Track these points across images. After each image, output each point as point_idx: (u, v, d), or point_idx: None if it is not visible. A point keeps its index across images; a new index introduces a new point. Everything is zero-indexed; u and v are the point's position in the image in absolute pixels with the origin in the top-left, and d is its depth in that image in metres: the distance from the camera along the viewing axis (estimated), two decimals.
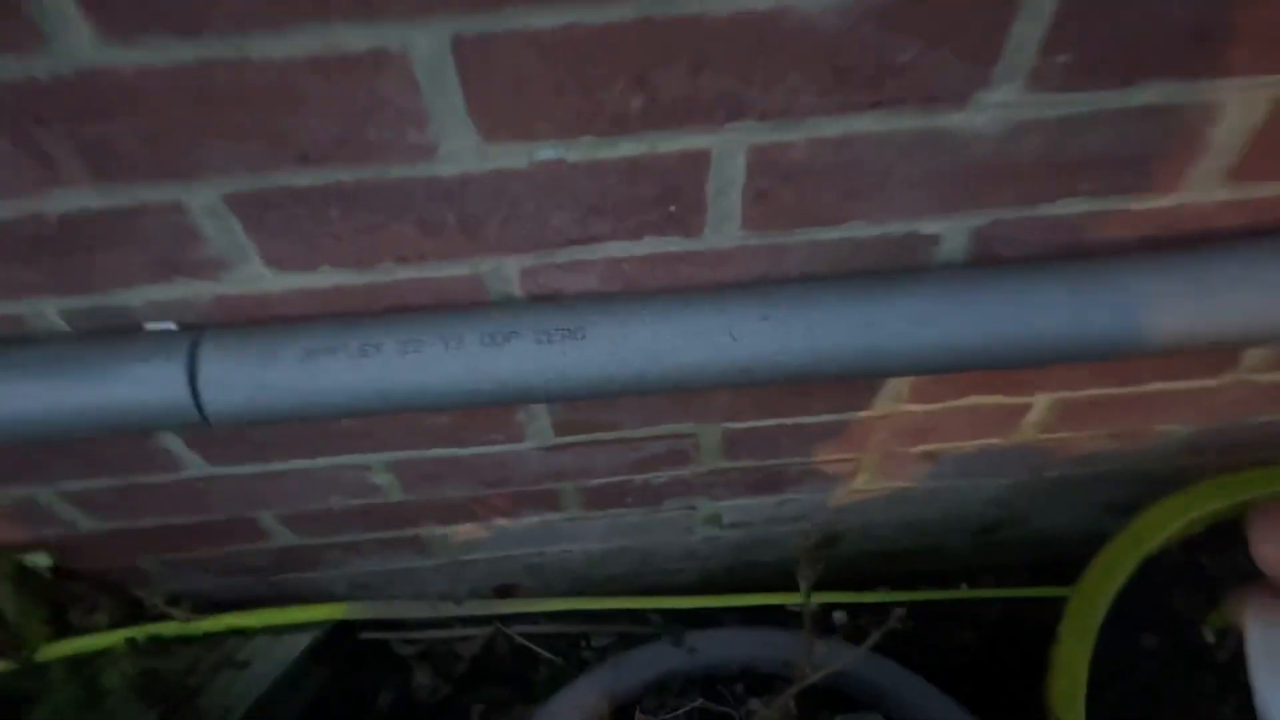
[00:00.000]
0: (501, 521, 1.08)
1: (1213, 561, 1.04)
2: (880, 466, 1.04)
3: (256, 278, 0.65)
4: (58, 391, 0.63)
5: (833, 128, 0.59)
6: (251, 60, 0.51)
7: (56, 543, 0.98)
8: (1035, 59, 0.56)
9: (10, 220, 0.59)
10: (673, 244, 0.67)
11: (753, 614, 1.27)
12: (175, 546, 1.03)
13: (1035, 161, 0.63)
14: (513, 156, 0.58)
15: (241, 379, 0.64)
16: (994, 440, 1.00)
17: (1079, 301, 0.64)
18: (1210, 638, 0.98)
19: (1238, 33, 0.56)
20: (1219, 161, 0.65)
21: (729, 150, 0.60)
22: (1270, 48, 0.57)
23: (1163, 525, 1.03)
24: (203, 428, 0.66)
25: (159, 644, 1.10)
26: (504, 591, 1.29)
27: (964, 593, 1.34)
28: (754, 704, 1.01)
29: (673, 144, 0.59)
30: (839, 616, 1.37)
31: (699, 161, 0.60)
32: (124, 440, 0.82)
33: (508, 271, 0.68)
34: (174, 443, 0.83)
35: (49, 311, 0.66)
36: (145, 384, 0.63)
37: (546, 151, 0.58)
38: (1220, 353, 0.88)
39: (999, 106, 0.58)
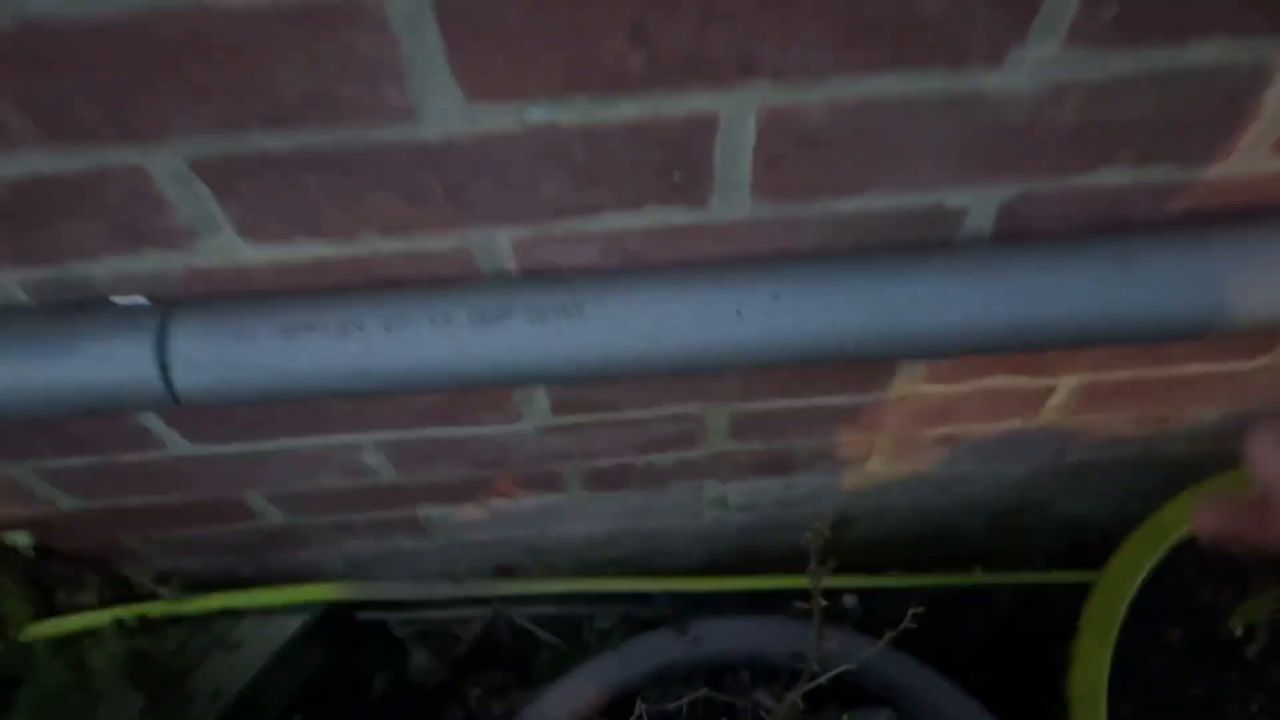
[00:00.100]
0: (501, 503, 1.04)
1: (1243, 551, 1.00)
2: (895, 450, 1.00)
3: (230, 249, 0.61)
4: (16, 369, 0.59)
5: (852, 88, 0.54)
6: (211, 9, 0.46)
7: (38, 521, 0.95)
8: (1078, 11, 0.50)
9: None
10: (677, 215, 0.62)
11: (760, 597, 1.24)
12: (161, 526, 1.00)
13: (1073, 127, 0.58)
14: (501, 118, 0.53)
15: (214, 357, 0.60)
16: (1015, 423, 0.95)
17: (1118, 280, 0.59)
18: (1239, 631, 0.94)
19: None
20: (1272, 130, 0.59)
21: (738, 112, 0.54)
22: None
23: (1190, 514, 0.99)
24: (174, 408, 0.63)
25: (148, 624, 1.08)
26: (504, 572, 1.26)
27: (979, 577, 1.30)
28: (760, 694, 0.97)
29: (677, 105, 0.54)
30: (849, 600, 1.33)
31: (705, 124, 0.55)
32: (101, 418, 0.78)
33: (500, 244, 0.63)
34: (153, 421, 0.79)
35: (8, 283, 0.62)
36: (110, 362, 0.59)
37: (538, 113, 0.53)
38: (1258, 335, 0.83)
39: (1035, 65, 0.53)
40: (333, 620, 1.21)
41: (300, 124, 0.52)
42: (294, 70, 0.49)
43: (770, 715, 0.78)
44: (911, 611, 0.68)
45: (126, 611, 1.06)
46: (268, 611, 1.15)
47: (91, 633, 1.04)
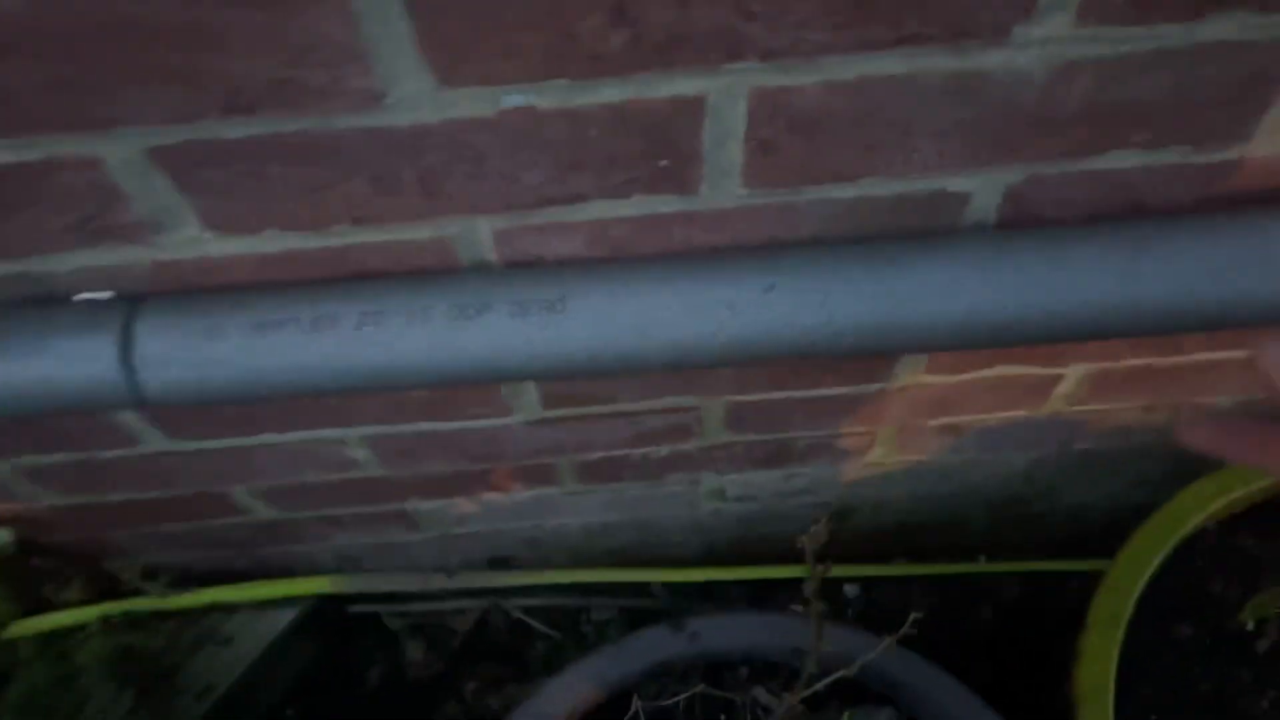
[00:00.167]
0: (493, 496, 1.02)
1: (1255, 543, 0.97)
2: (897, 440, 0.97)
3: (195, 242, 0.58)
4: None
5: (848, 69, 0.50)
6: None
7: (20, 517, 0.93)
8: None
9: None
10: (664, 203, 0.59)
11: (759, 587, 1.22)
12: (145, 521, 0.98)
13: (1082, 108, 0.54)
14: (475, 103, 0.50)
15: (181, 355, 0.57)
16: (1021, 413, 0.93)
17: (1130, 269, 0.56)
18: (1249, 626, 0.92)
19: None
20: None
21: (727, 95, 0.51)
22: None
23: (1201, 504, 0.96)
24: (142, 408, 0.60)
25: (135, 620, 1.06)
26: (499, 564, 1.24)
27: (983, 566, 1.27)
28: (758, 691, 0.95)
29: (662, 88, 0.50)
30: (850, 590, 1.31)
31: (693, 108, 0.52)
32: (75, 414, 0.76)
33: (480, 235, 0.60)
34: (131, 418, 0.77)
35: None
36: (72, 361, 0.56)
37: (514, 97, 0.50)
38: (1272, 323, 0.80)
39: (1043, 43, 0.50)
40: (325, 614, 1.20)
41: (261, 111, 0.49)
42: (252, 53, 0.46)
43: (769, 715, 0.76)
44: (913, 616, 0.65)
45: (113, 607, 1.04)
46: (258, 605, 1.13)
47: (78, 629, 1.03)
